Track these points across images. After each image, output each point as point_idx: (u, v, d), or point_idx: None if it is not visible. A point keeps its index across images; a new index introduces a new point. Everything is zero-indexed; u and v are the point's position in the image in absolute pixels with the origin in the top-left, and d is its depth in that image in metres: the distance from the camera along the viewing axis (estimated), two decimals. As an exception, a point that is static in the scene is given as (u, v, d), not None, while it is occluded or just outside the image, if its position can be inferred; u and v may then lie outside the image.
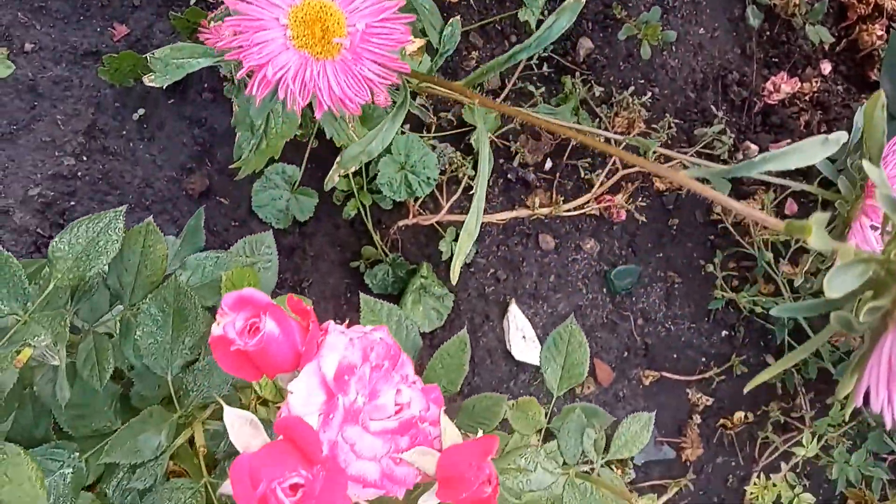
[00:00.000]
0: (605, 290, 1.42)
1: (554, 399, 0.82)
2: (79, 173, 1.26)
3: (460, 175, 1.36)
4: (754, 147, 1.50)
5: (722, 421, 1.44)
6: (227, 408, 0.47)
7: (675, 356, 1.44)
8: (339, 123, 1.04)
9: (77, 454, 0.75)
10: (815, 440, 1.23)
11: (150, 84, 0.72)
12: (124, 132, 1.29)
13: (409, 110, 1.33)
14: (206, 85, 1.33)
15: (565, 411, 0.82)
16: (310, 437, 0.43)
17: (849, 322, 0.41)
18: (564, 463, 0.74)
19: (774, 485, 1.15)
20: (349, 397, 0.50)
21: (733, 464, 1.44)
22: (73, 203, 1.26)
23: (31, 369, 0.75)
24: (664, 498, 1.39)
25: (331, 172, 0.73)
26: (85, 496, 0.76)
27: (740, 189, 1.47)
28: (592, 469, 0.78)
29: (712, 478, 1.44)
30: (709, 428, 1.44)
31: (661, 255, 1.45)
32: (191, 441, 0.78)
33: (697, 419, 1.43)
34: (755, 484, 1.19)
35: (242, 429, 0.46)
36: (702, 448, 1.42)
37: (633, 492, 1.42)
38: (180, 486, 0.72)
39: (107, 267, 0.75)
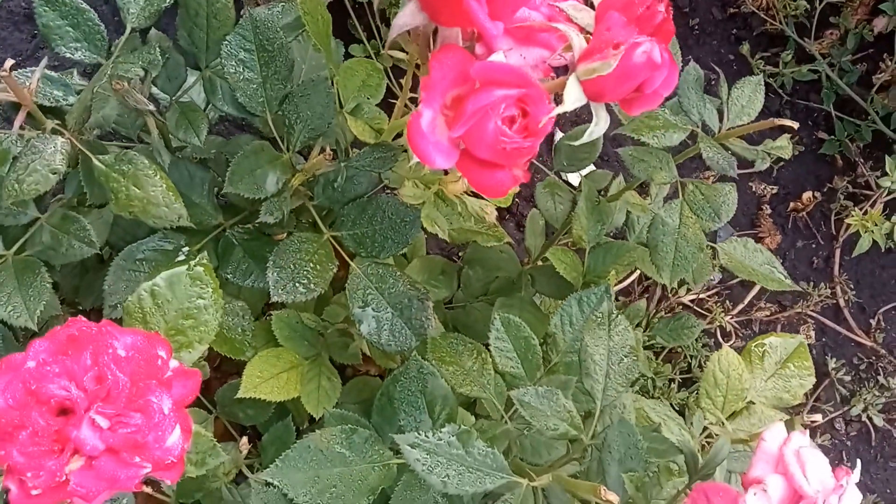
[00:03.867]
0: (644, 101, 1.39)
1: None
2: (95, 92, 1.22)
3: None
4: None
5: (792, 205, 1.40)
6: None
7: (729, 152, 1.41)
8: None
9: (186, 248, 0.71)
10: (898, 169, 1.19)
11: None
12: (130, 45, 1.25)
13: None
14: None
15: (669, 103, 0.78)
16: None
17: None
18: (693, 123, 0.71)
19: (873, 217, 1.12)
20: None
21: (814, 245, 1.41)
22: (96, 123, 1.21)
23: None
24: (755, 289, 1.35)
25: None
26: (206, 285, 0.71)
27: (749, -23, 1.45)
28: (717, 135, 0.75)
29: (797, 263, 1.40)
30: (781, 215, 1.41)
31: (689, 56, 1.42)
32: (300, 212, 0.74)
33: (768, 209, 1.40)
34: (853, 216, 1.15)
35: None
36: (780, 235, 1.39)
37: (720, 297, 1.38)
38: (306, 239, 0.68)
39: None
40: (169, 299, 0.54)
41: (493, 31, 0.40)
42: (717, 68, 1.43)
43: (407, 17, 0.42)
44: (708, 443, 0.75)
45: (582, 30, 0.49)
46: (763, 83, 0.76)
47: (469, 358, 0.63)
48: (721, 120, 0.73)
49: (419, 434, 0.50)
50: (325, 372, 0.71)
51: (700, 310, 1.33)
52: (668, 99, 0.83)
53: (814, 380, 0.78)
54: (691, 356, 1.28)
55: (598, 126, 0.44)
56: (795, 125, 0.65)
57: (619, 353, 0.56)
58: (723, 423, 0.71)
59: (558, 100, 0.45)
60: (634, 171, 0.71)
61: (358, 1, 1.21)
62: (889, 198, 1.28)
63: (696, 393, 1.26)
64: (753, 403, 0.75)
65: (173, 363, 0.48)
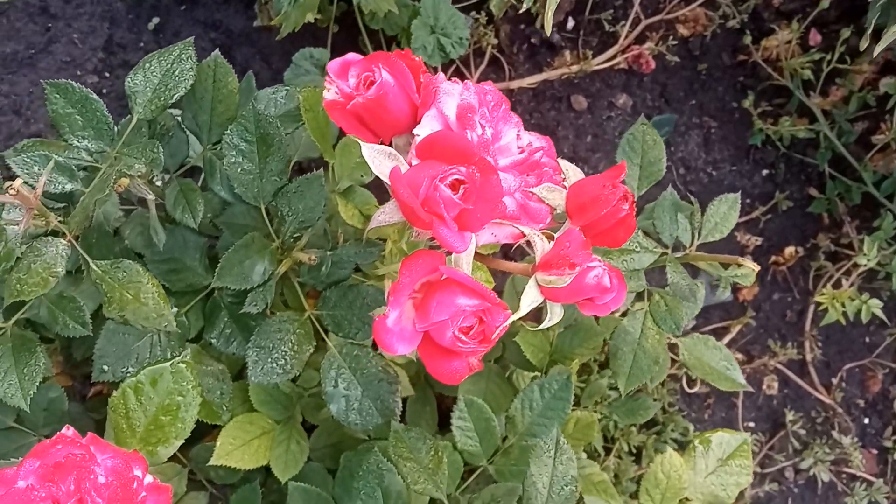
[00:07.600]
0: (642, 143, 1.41)
1: (636, 198, 0.81)
2: (104, 90, 1.24)
3: (484, 45, 1.34)
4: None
5: (773, 258, 1.44)
6: (364, 144, 0.46)
7: (719, 201, 1.43)
8: (366, -12, 1.02)
9: (175, 309, 0.75)
10: (875, 248, 1.23)
11: None
12: (142, 44, 1.27)
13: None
14: (215, -14, 1.30)
15: (648, 209, 0.82)
16: (459, 141, 0.43)
17: None
18: (663, 245, 0.74)
19: (842, 296, 1.16)
20: (476, 131, 0.49)
21: (789, 299, 1.45)
22: (103, 121, 1.24)
23: (118, 228, 0.74)
24: (728, 337, 1.40)
25: None
26: (192, 347, 0.76)
27: (763, 25, 1.45)
28: (687, 254, 0.78)
29: (771, 315, 1.45)
30: (761, 267, 1.45)
31: (693, 101, 1.44)
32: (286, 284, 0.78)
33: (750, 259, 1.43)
34: (823, 294, 1.19)
35: (383, 162, 0.46)
36: (757, 287, 1.43)
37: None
38: (287, 318, 0.73)
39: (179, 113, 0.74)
40: (151, 396, 0.59)
41: (459, 248, 0.43)
42: (718, 117, 1.45)
43: (386, 216, 0.46)
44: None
45: (552, 210, 0.53)
46: (739, 201, 0.79)
47: (427, 455, 0.68)
48: (694, 236, 0.77)
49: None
50: (294, 436, 0.77)
51: (673, 355, 1.38)
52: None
53: (750, 479, 0.84)
54: (655, 399, 1.33)
55: (552, 320, 0.48)
56: (757, 268, 0.68)
57: (561, 482, 0.61)
58: (658, 520, 0.77)
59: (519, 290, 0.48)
60: (605, 280, 0.75)
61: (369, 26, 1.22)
62: (865, 270, 1.32)
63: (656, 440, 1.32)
64: (690, 500, 0.81)
65: (148, 479, 0.53)
